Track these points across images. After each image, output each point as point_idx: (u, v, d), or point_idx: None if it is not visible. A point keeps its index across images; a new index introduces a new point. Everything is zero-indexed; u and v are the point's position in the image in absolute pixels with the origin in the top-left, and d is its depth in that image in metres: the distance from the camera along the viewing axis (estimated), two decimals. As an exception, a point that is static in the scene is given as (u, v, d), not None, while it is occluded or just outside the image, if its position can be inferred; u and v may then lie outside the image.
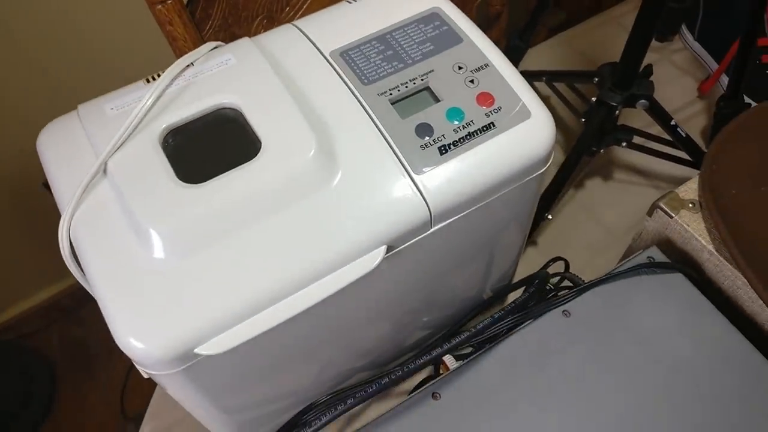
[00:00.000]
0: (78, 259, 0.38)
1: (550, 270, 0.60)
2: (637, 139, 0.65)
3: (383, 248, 0.38)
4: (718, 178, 0.48)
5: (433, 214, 0.39)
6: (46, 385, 1.36)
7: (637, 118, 0.70)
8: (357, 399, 0.39)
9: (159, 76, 0.42)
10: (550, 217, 0.63)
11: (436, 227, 0.40)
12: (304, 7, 0.68)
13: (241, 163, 0.38)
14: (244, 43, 0.44)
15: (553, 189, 0.62)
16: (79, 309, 1.46)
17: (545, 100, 0.80)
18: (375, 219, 0.38)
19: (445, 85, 0.42)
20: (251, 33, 0.66)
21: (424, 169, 0.39)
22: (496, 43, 0.86)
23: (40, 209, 1.26)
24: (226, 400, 0.41)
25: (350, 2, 0.47)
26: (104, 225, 0.37)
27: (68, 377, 1.39)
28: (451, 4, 0.46)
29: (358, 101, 0.41)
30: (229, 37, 0.64)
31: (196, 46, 0.58)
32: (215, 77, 0.42)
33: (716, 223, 0.45)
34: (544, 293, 0.49)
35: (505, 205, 0.44)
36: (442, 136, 0.40)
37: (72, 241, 0.37)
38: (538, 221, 0.63)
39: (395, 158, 0.39)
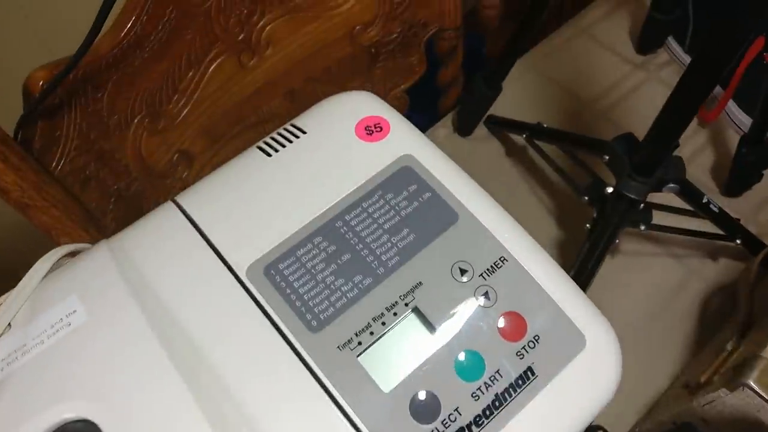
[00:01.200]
0: None
1: None
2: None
3: None
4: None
5: None
6: None
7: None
8: None
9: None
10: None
11: None
12: (199, 89, 0.49)
13: None
14: (99, 262, 0.26)
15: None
16: None
17: (520, 152, 0.64)
18: None
19: (445, 310, 0.26)
20: (128, 142, 0.46)
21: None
22: (451, 81, 0.69)
23: None
24: None
25: (267, 152, 0.30)
26: None
27: None
28: (429, 143, 0.29)
29: (309, 370, 0.24)
30: (95, 159, 0.44)
31: (40, 191, 0.39)
32: (50, 361, 0.24)
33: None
34: None
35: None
36: (456, 411, 0.24)
37: None
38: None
39: (384, 469, 0.23)
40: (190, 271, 0.26)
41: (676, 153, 0.47)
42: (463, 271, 0.26)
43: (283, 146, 0.30)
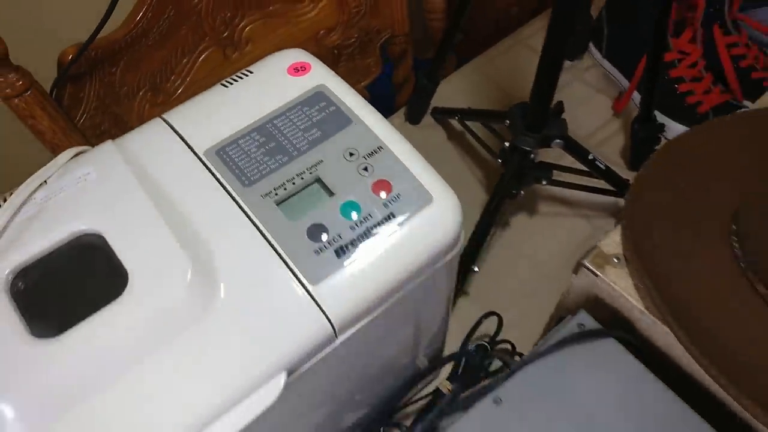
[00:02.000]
0: None
1: (484, 325, 0.57)
2: (558, 174, 0.63)
3: (283, 374, 0.34)
4: (639, 229, 0.46)
5: (335, 325, 0.35)
6: None
7: (554, 152, 0.68)
8: None
9: (5, 201, 0.36)
10: (476, 269, 0.60)
11: (342, 338, 0.36)
12: (191, 73, 0.63)
13: (105, 303, 0.33)
14: (106, 149, 0.39)
15: (476, 239, 0.59)
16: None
17: (459, 137, 0.78)
18: (269, 343, 0.33)
19: (337, 176, 0.38)
20: (134, 109, 0.60)
21: (320, 278, 0.35)
22: (403, 81, 0.83)
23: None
24: None
25: (225, 86, 0.43)
26: (-56, 403, 0.31)
27: None
28: (338, 79, 0.42)
29: (240, 207, 0.36)
30: (108, 119, 0.58)
31: (67, 136, 0.52)
32: (72, 198, 0.36)
33: (642, 279, 0.43)
34: (476, 371, 0.45)
35: (417, 298, 0.40)
36: (338, 236, 0.36)
37: None
38: (466, 273, 0.60)
39: (286, 269, 0.35)
40: (167, 153, 0.39)
41: (563, 117, 0.60)
42: (351, 154, 0.39)
43: (237, 81, 0.43)
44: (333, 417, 0.45)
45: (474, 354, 0.52)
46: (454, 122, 0.77)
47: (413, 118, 0.78)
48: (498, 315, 0.57)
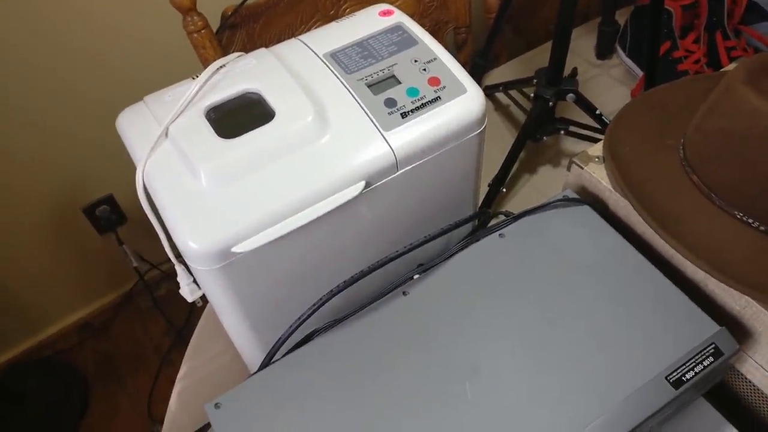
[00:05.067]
0: (149, 197, 0.54)
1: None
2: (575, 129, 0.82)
3: (363, 183, 0.54)
4: (616, 138, 0.64)
5: (398, 159, 0.55)
6: (81, 395, 1.49)
7: (576, 115, 0.87)
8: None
9: (198, 76, 0.59)
10: (504, 190, 0.79)
11: (402, 170, 0.56)
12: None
13: (260, 126, 0.54)
14: (261, 51, 0.62)
15: (504, 166, 0.78)
16: (109, 327, 1.60)
17: (505, 108, 0.98)
18: (357, 162, 0.54)
19: (405, 73, 0.59)
20: (264, 57, 0.84)
21: (390, 128, 0.55)
22: (464, 64, 1.04)
23: (78, 233, 1.43)
24: (252, 301, 0.56)
25: (338, 22, 0.65)
26: (167, 168, 0.53)
27: (99, 388, 1.52)
28: (411, 20, 0.64)
29: (344, 85, 0.58)
30: (247, 59, 0.82)
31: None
32: (241, 73, 0.59)
33: (612, 169, 0.61)
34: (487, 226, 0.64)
35: (453, 157, 0.60)
36: (403, 106, 0.57)
37: (145, 183, 0.54)
38: (495, 194, 0.79)
39: (370, 122, 0.56)
40: (300, 54, 0.61)
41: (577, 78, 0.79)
42: (415, 61, 0.60)
43: (345, 19, 0.65)
44: (383, 244, 0.64)
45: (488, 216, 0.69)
46: (501, 96, 0.97)
47: (467, 92, 0.99)
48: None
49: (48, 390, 1.47)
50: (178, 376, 0.70)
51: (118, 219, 1.42)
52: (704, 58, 0.91)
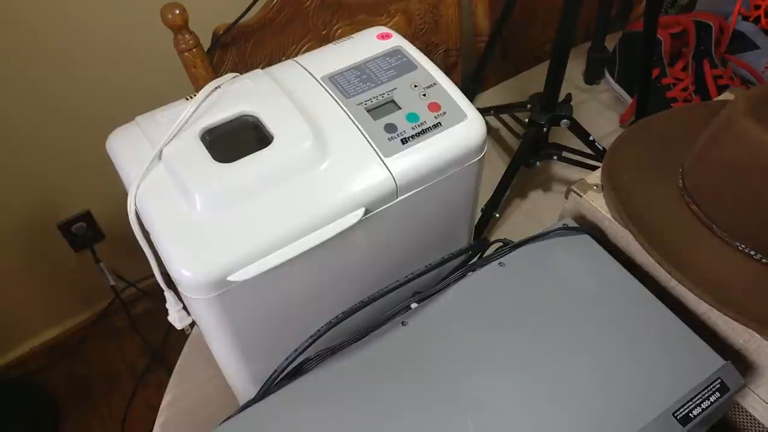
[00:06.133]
0: (140, 222, 0.52)
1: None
2: (567, 155, 0.82)
3: (362, 210, 0.53)
4: (614, 167, 0.64)
5: (398, 186, 0.54)
6: (49, 419, 1.43)
7: (568, 141, 0.87)
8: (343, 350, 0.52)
9: (193, 97, 0.57)
10: (498, 215, 0.78)
11: (401, 197, 0.55)
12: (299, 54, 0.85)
13: (258, 150, 0.53)
14: (258, 72, 0.60)
15: (498, 192, 0.77)
16: (83, 347, 1.55)
17: (496, 132, 0.97)
18: (356, 188, 0.53)
19: (405, 98, 0.58)
20: (255, 76, 0.82)
21: (390, 154, 0.54)
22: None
23: (52, 249, 1.39)
24: (246, 330, 0.54)
25: (335, 44, 0.64)
26: (161, 193, 0.51)
27: (71, 411, 1.47)
28: (409, 43, 0.63)
29: (343, 109, 0.57)
30: (238, 78, 0.80)
31: (213, 84, 0.74)
32: (238, 95, 0.57)
33: (612, 198, 0.61)
34: (485, 256, 0.63)
35: (453, 184, 0.59)
36: (403, 131, 0.56)
37: (137, 208, 0.51)
38: (488, 219, 0.78)
39: (370, 147, 0.55)
40: (298, 76, 0.59)
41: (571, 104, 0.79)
42: (415, 86, 0.59)
43: (343, 42, 0.64)
44: (380, 271, 0.63)
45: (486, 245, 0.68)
46: (491, 119, 0.97)
47: (458, 114, 0.98)
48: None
49: (15, 415, 1.41)
50: (162, 405, 0.67)
51: (94, 236, 1.38)
52: (692, 86, 0.92)
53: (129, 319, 1.52)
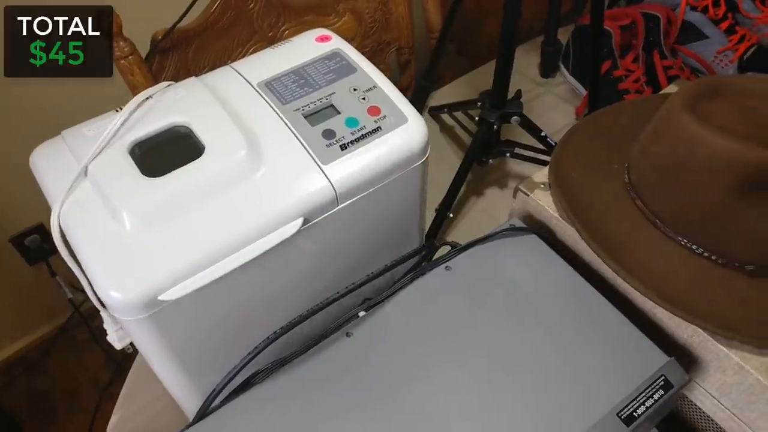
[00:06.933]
0: (66, 242, 0.49)
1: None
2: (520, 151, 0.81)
3: (301, 219, 0.51)
4: (562, 164, 0.63)
5: (338, 194, 0.53)
6: (11, 438, 1.40)
7: (521, 137, 0.86)
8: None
9: (121, 108, 0.55)
10: (451, 215, 0.77)
11: (342, 204, 0.54)
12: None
13: (189, 162, 0.51)
14: (191, 80, 0.58)
15: (451, 192, 0.76)
16: (43, 362, 1.51)
17: (450, 129, 0.96)
18: (294, 198, 0.51)
19: (344, 102, 0.56)
20: (199, 82, 0.80)
21: (329, 161, 0.53)
22: (408, 85, 1.03)
23: (5, 264, 1.34)
24: (186, 349, 0.53)
25: (273, 49, 0.62)
26: (86, 211, 0.49)
27: (32, 429, 1.43)
28: (349, 45, 0.62)
29: (279, 116, 0.55)
30: (180, 85, 0.78)
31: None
32: (170, 105, 0.55)
33: (559, 196, 0.60)
34: (433, 260, 0.62)
35: (396, 189, 0.57)
36: (342, 137, 0.54)
37: (61, 227, 0.49)
38: (442, 219, 0.77)
39: (308, 155, 0.53)
40: (232, 83, 0.57)
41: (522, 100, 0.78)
42: (354, 89, 0.57)
43: (281, 46, 0.62)
44: (328, 280, 0.62)
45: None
46: (446, 118, 0.96)
47: (412, 113, 0.97)
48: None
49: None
50: (109, 427, 0.65)
51: (49, 249, 1.34)
52: (644, 77, 0.93)
53: (90, 332, 1.48)
